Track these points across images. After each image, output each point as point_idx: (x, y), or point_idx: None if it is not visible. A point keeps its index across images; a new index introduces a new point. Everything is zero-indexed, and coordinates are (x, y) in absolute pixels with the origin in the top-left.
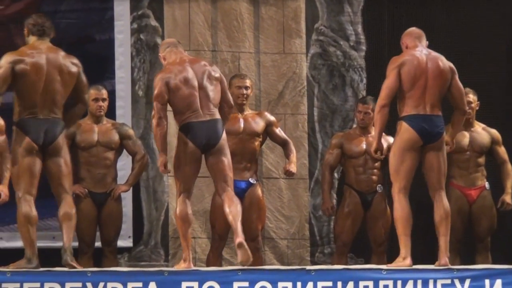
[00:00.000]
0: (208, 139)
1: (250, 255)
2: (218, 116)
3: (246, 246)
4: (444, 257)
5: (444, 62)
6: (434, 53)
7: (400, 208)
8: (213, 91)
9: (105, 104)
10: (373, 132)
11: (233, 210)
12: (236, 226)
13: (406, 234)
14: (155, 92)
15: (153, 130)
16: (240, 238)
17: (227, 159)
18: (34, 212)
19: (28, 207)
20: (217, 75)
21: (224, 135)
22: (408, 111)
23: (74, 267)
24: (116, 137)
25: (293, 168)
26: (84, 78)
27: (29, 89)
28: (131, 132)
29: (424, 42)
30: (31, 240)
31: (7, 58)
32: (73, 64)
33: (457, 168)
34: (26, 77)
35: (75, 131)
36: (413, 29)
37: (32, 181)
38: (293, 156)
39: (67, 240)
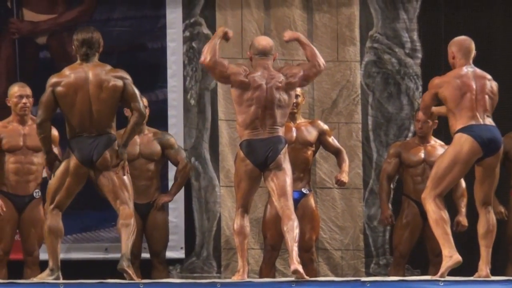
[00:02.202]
0: (265, 157)
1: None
2: (280, 132)
3: (302, 271)
4: (485, 269)
5: (491, 80)
6: (480, 71)
7: (437, 209)
8: (279, 114)
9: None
10: (432, 141)
11: (290, 231)
12: (291, 250)
13: (447, 232)
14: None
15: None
16: (295, 264)
17: (286, 175)
18: (61, 225)
19: (55, 220)
20: (285, 97)
21: (284, 149)
22: (464, 122)
23: (128, 273)
24: (157, 148)
25: (344, 177)
26: (131, 88)
27: (70, 110)
28: (172, 141)
29: (472, 56)
30: (55, 252)
31: (49, 81)
32: (116, 78)
33: None
34: (66, 98)
35: None
36: (463, 41)
37: (66, 201)
38: (346, 165)
39: (124, 246)
